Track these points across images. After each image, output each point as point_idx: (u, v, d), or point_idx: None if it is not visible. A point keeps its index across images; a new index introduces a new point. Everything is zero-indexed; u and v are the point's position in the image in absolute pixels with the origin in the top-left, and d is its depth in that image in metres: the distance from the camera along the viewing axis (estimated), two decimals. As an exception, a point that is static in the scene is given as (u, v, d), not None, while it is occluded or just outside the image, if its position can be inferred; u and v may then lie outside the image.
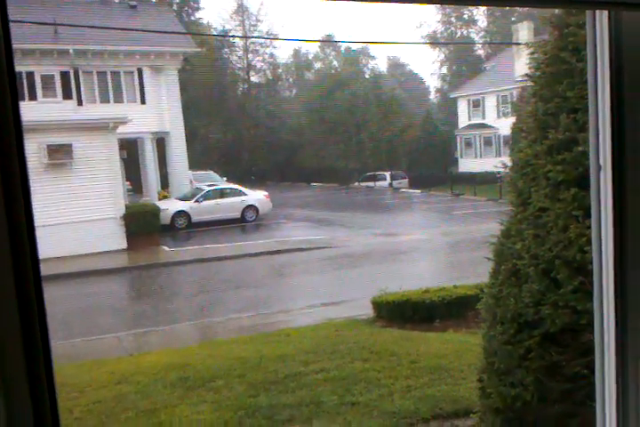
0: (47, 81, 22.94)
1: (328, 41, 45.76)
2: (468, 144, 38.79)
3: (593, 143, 1.53)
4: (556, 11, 4.19)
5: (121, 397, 6.62)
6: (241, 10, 43.42)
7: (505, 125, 28.63)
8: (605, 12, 1.42)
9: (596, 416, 1.65)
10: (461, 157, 38.68)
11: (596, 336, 1.62)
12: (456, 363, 6.94)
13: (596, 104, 1.51)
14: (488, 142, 37.27)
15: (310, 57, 49.54)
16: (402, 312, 9.29)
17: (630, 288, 1.55)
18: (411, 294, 9.47)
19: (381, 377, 6.70)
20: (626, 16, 1.43)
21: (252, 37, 44.83)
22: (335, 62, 48.72)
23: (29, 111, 19.66)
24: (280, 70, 48.00)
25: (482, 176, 28.09)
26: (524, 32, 32.93)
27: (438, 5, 45.25)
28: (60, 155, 17.04)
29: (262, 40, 44.89)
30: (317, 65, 49.59)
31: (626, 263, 1.54)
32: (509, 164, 4.59)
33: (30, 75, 22.32)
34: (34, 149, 16.38)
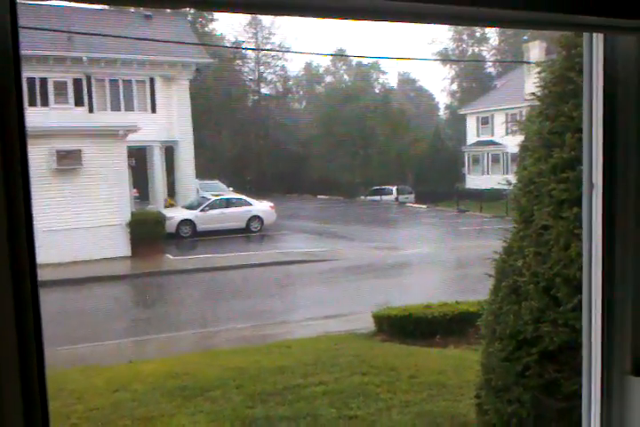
0: (60, 88, 23.16)
1: (340, 55, 46.03)
2: (476, 161, 38.80)
3: (587, 162, 1.56)
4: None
5: (118, 404, 6.60)
6: (254, 22, 43.77)
7: (513, 143, 28.68)
8: (601, 35, 1.46)
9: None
10: (469, 173, 38.67)
11: (584, 353, 1.63)
12: (455, 379, 6.90)
13: (590, 124, 1.54)
14: (496, 159, 37.27)
15: (321, 70, 49.82)
16: (403, 327, 9.25)
17: (617, 305, 1.57)
18: (412, 309, 9.44)
19: (380, 391, 6.66)
20: (620, 39, 1.46)
21: (265, 50, 45.19)
22: (346, 76, 48.98)
23: (41, 117, 19.83)
24: (291, 83, 48.27)
25: (489, 193, 28.05)
26: (534, 51, 33.04)
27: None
28: (69, 160, 17.16)
29: (274, 53, 45.26)
30: (328, 78, 49.85)
31: (613, 281, 1.56)
32: (514, 181, 4.60)
33: (43, 81, 22.54)
34: (43, 155, 16.49)
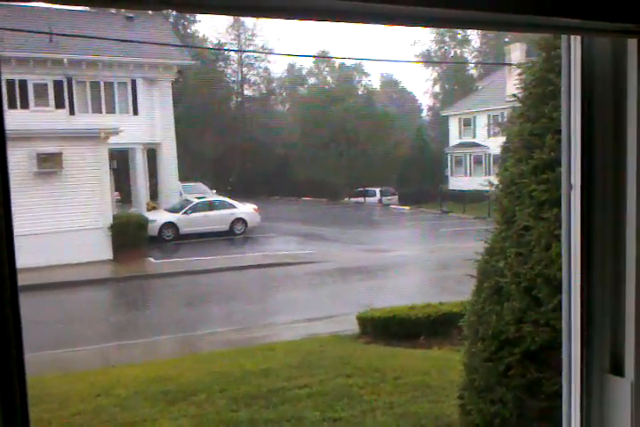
0: (40, 90, 22.93)
1: (323, 57, 46.14)
2: (459, 162, 39.06)
3: (565, 163, 1.58)
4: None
5: (100, 409, 6.54)
6: (237, 24, 43.76)
7: (495, 145, 28.91)
8: (579, 37, 1.48)
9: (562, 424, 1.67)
10: (451, 174, 38.92)
11: (564, 352, 1.65)
12: (439, 380, 6.93)
13: (569, 125, 1.55)
14: (478, 161, 37.56)
15: (304, 72, 49.92)
16: (387, 328, 9.28)
17: (596, 305, 1.59)
18: (396, 311, 9.47)
19: (364, 393, 6.67)
20: (597, 41, 1.48)
21: (247, 51, 45.15)
22: (329, 78, 49.09)
23: (21, 119, 19.60)
24: (274, 84, 48.30)
25: (471, 194, 28.25)
26: (516, 53, 33.37)
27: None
28: (49, 163, 16.99)
29: (257, 54, 45.25)
30: (311, 80, 49.95)
31: (592, 280, 1.58)
32: (496, 182, 4.63)
33: (23, 83, 22.30)
34: (24, 158, 16.32)
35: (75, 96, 23.74)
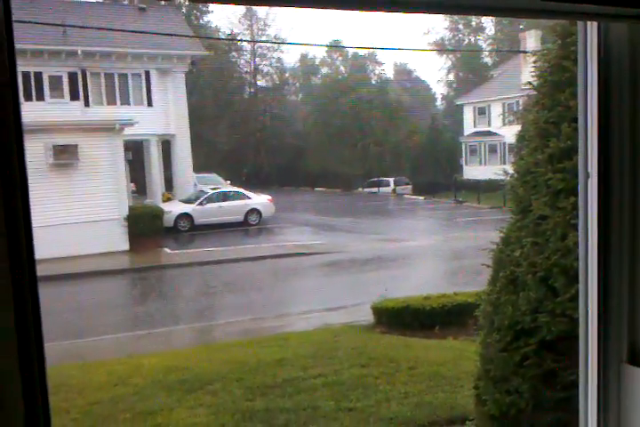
0: (55, 82, 23.07)
1: (335, 46, 45.89)
2: (473, 151, 38.80)
3: (582, 152, 1.56)
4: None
5: (118, 398, 6.62)
6: (249, 14, 43.67)
7: (510, 133, 28.67)
8: (595, 23, 1.45)
9: (579, 419, 1.67)
10: (466, 164, 38.69)
11: (581, 342, 1.64)
12: (454, 370, 6.93)
13: (585, 113, 1.53)
14: (493, 150, 37.28)
15: (317, 62, 49.75)
16: (402, 318, 9.27)
17: (613, 294, 1.57)
18: (411, 301, 9.46)
19: (379, 383, 6.69)
20: (613, 27, 1.45)
21: (260, 42, 45.04)
22: (342, 68, 48.88)
23: (36, 111, 19.75)
24: (287, 74, 48.21)
25: (486, 183, 28.08)
26: (531, 40, 32.99)
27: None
28: (65, 155, 17.12)
29: (270, 44, 45.14)
30: (324, 70, 49.77)
31: (609, 270, 1.57)
32: (511, 171, 4.59)
33: (38, 75, 22.44)
34: (40, 149, 16.45)
35: (89, 88, 23.86)
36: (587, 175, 1.55)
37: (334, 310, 11.21)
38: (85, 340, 9.89)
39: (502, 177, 5.01)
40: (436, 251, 17.65)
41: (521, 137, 4.67)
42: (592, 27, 1.47)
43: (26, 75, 21.49)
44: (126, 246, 17.47)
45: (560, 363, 3.52)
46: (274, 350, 8.32)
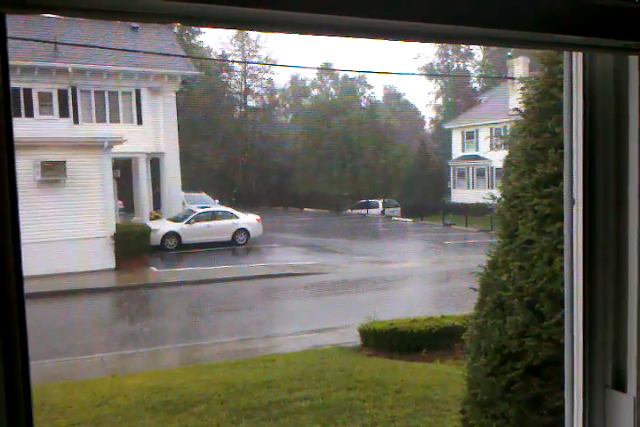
0: (45, 98, 23.07)
1: (326, 69, 46.38)
2: (461, 175, 39.09)
3: (567, 178, 1.59)
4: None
5: (101, 419, 6.52)
6: (241, 35, 44.05)
7: (498, 158, 28.94)
8: (580, 53, 1.50)
9: None
10: (454, 187, 38.93)
11: (566, 367, 1.65)
12: (441, 394, 6.89)
13: (571, 139, 1.57)
14: (481, 174, 37.57)
15: (308, 83, 50.20)
16: (389, 341, 9.23)
17: (599, 319, 1.59)
18: (398, 323, 9.42)
19: (366, 407, 6.63)
20: (599, 57, 1.50)
21: (251, 63, 45.43)
22: (332, 90, 49.33)
23: (25, 128, 19.72)
24: (277, 96, 48.55)
25: (474, 207, 28.25)
26: (519, 67, 33.53)
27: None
28: (53, 172, 17.05)
29: (261, 66, 45.51)
30: (314, 92, 50.19)
31: (594, 295, 1.59)
32: (498, 195, 4.63)
33: (28, 92, 22.44)
34: (28, 166, 16.38)
35: (79, 105, 23.86)
36: (572, 201, 1.58)
37: (323, 332, 11.14)
38: (68, 359, 9.74)
39: (490, 201, 5.05)
40: (425, 273, 17.66)
41: (508, 162, 4.73)
42: (578, 57, 1.51)
43: (15, 91, 21.49)
44: (113, 264, 17.32)
45: (546, 388, 3.51)
46: (260, 371, 8.25)
